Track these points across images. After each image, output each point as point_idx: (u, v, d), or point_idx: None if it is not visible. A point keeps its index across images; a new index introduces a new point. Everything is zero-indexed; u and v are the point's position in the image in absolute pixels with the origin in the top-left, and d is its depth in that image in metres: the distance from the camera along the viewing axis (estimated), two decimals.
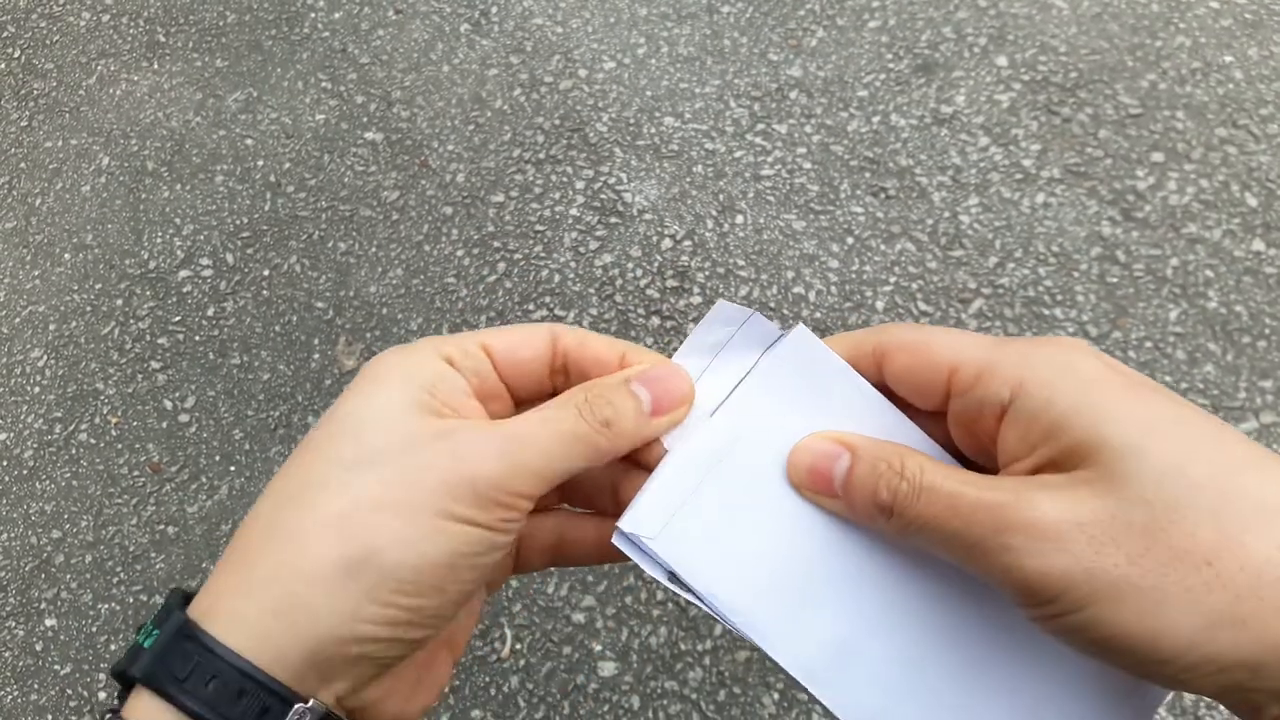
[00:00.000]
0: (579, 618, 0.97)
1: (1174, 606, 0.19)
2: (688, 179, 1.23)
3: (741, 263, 1.16)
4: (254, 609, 0.23)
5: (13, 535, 1.11)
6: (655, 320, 1.13)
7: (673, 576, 0.26)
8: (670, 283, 1.16)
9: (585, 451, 0.25)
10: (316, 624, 0.23)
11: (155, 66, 1.45)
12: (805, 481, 0.26)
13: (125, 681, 0.24)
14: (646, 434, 0.26)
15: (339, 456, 0.24)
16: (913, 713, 0.25)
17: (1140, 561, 0.19)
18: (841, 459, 0.25)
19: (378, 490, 0.23)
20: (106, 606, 1.05)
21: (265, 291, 1.23)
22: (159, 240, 1.29)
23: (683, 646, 0.94)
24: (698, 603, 0.26)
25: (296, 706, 0.23)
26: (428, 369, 0.26)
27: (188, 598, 0.25)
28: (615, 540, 0.27)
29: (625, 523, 0.27)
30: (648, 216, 1.21)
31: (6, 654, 1.04)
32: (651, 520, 0.26)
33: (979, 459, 0.26)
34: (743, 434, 0.27)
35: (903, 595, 0.25)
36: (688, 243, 1.18)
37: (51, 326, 1.25)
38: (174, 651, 0.23)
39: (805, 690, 0.25)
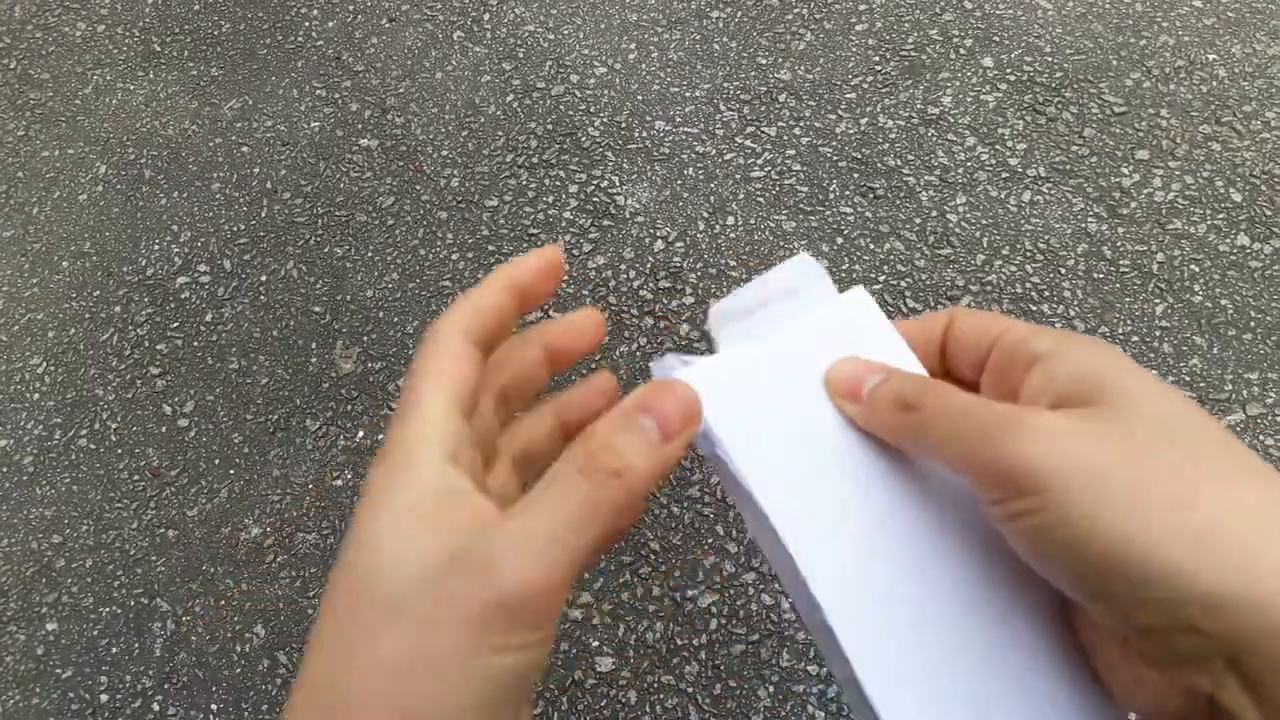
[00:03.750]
0: (576, 614, 0.98)
1: (1155, 512, 0.20)
2: (679, 181, 1.24)
3: (733, 263, 1.17)
4: None
5: (13, 540, 1.12)
6: (649, 320, 1.15)
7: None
8: (663, 283, 1.17)
9: (607, 516, 0.23)
10: None
11: (151, 76, 1.47)
12: (838, 388, 0.28)
13: None
14: (666, 462, 0.24)
15: (364, 622, 0.22)
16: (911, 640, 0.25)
17: (1134, 467, 0.21)
18: (877, 376, 0.28)
19: (404, 653, 0.22)
20: (108, 610, 1.06)
21: (262, 297, 1.24)
22: (156, 247, 1.30)
23: (679, 641, 0.95)
24: (725, 469, 0.27)
25: None
26: (442, 446, 0.24)
27: None
28: (654, 370, 0.28)
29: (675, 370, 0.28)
30: (640, 219, 1.22)
31: (8, 658, 1.05)
32: (706, 374, 0.28)
33: None
34: (790, 351, 0.29)
35: (920, 529, 0.26)
36: (680, 244, 1.20)
37: (50, 334, 1.26)
38: None
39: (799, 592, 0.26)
